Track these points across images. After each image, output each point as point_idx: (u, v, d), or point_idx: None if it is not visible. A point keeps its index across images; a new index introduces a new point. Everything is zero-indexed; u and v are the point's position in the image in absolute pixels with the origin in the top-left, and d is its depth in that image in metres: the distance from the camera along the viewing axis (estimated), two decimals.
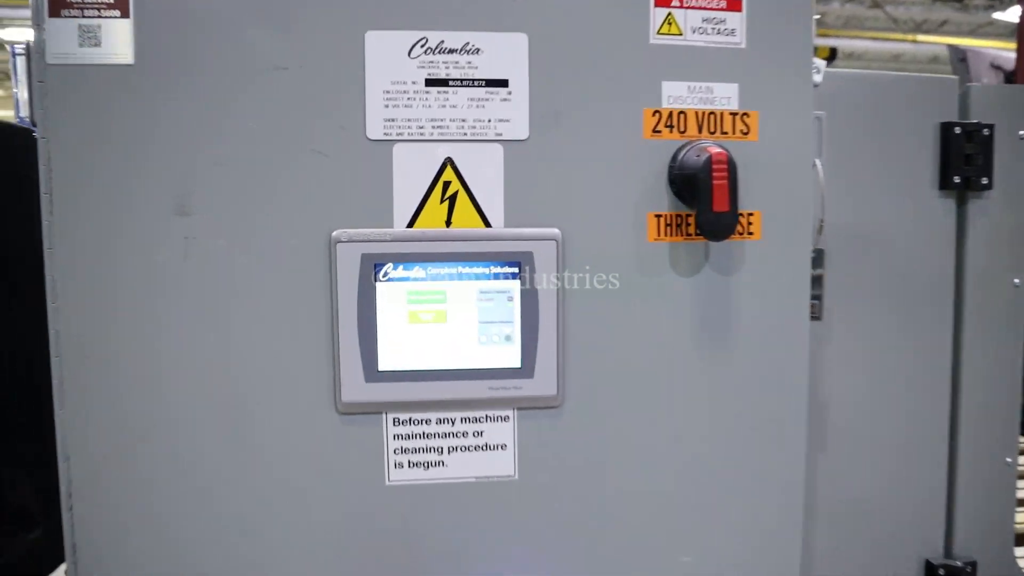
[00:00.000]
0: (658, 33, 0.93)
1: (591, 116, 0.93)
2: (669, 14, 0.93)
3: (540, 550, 0.96)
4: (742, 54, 0.95)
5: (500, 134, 0.92)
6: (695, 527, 0.99)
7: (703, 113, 0.94)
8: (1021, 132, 1.52)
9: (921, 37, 9.32)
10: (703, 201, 0.88)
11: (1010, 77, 8.12)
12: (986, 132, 1.49)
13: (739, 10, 0.94)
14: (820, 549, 1.51)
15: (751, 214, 0.96)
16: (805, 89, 0.97)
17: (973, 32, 11.18)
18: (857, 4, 9.90)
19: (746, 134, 0.95)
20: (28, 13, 0.88)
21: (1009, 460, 1.58)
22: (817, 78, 1.00)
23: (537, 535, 0.96)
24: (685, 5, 0.93)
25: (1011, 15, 8.52)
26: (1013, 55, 8.09)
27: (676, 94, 0.94)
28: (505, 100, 0.92)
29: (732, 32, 0.94)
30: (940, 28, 11.10)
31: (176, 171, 0.90)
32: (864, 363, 1.51)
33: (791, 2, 0.95)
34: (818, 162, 1.00)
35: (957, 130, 1.47)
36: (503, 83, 0.91)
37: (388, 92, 0.91)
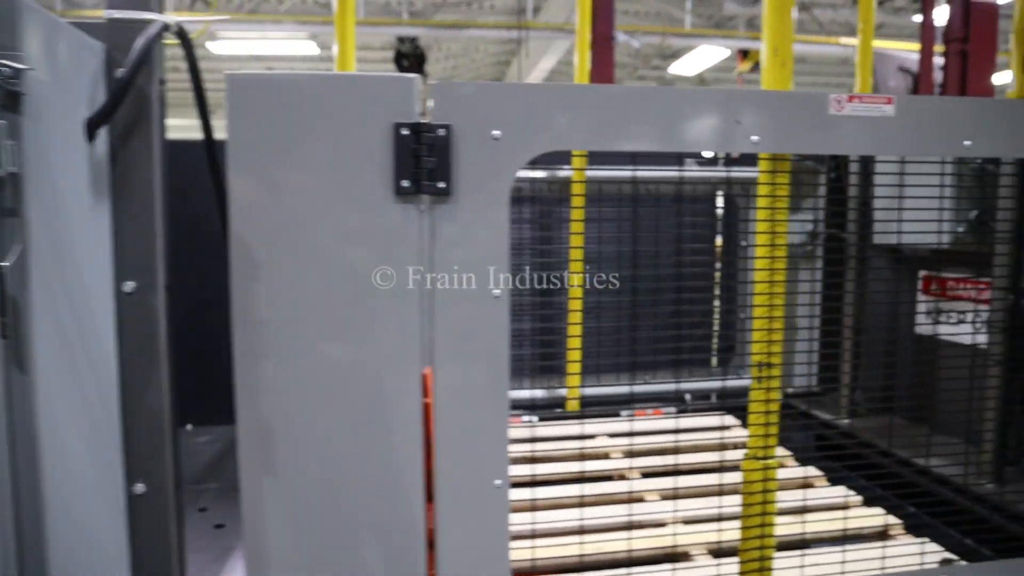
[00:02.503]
0: None
1: None
2: None
3: None
4: None
5: None
6: None
7: None
8: (495, 132, 1.43)
9: (844, 40, 9.21)
10: None
11: (918, 79, 8.02)
12: (441, 132, 1.40)
13: None
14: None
15: None
16: None
17: (913, 36, 11.03)
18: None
19: None
20: None
21: (499, 483, 1.48)
22: None
23: None
24: None
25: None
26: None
27: None
28: None
29: None
30: (877, 32, 10.97)
31: None
32: (314, 382, 1.42)
33: None
34: None
35: (404, 131, 1.38)
36: None
37: None
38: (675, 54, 11.80)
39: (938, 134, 1.60)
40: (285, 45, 10.37)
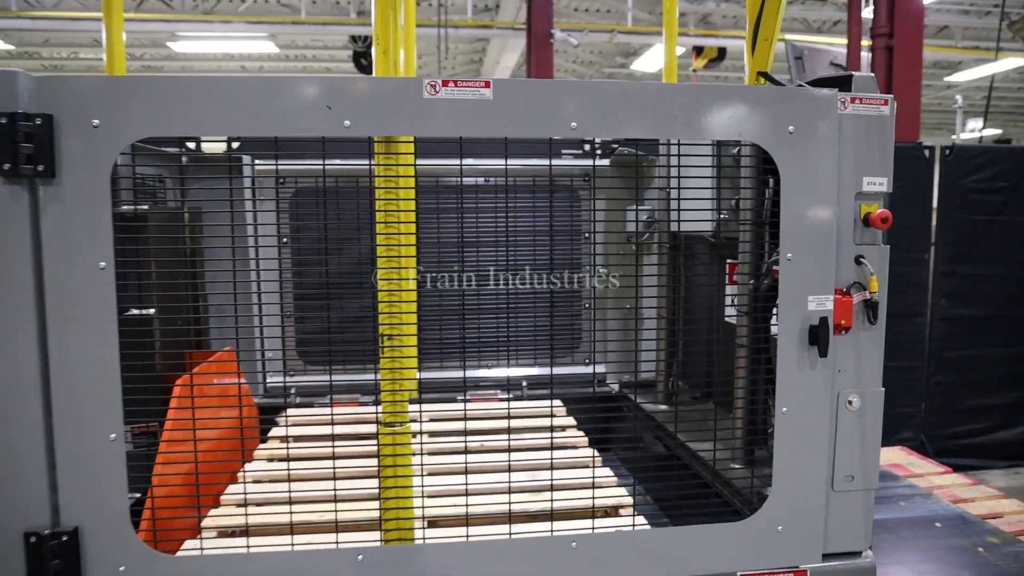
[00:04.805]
0: None
1: None
2: None
3: None
4: None
5: None
6: None
7: None
8: (94, 121, 1.58)
9: (790, 36, 9.24)
10: None
11: None
12: (39, 121, 1.55)
13: None
14: None
15: None
16: None
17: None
18: (734, 3, 9.85)
19: None
20: None
21: (113, 436, 1.63)
22: None
23: None
24: None
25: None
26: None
27: None
28: None
29: None
30: (832, 29, 11.02)
31: None
32: None
33: None
34: None
35: (2, 120, 1.54)
36: None
37: None
38: (636, 52, 11.89)
39: (542, 116, 1.72)
40: (246, 44, 10.60)
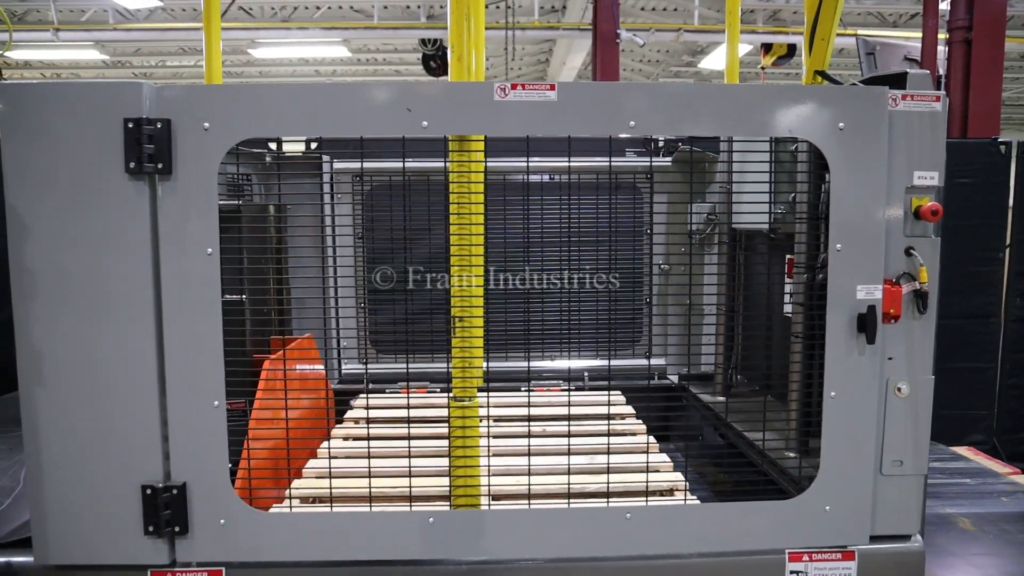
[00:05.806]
0: None
1: None
2: None
3: None
4: None
5: None
6: None
7: None
8: (205, 124, 1.79)
9: (863, 32, 9.07)
10: None
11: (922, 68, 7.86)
12: (159, 125, 1.78)
13: None
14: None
15: None
16: None
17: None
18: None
19: None
20: None
21: (216, 403, 1.85)
22: None
23: None
24: None
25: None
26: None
27: None
28: None
29: None
30: (911, 22, 10.71)
31: None
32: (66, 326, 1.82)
33: None
34: None
35: (131, 124, 1.77)
36: None
37: None
38: (703, 50, 11.82)
39: (602, 116, 1.86)
40: (320, 49, 11.03)
